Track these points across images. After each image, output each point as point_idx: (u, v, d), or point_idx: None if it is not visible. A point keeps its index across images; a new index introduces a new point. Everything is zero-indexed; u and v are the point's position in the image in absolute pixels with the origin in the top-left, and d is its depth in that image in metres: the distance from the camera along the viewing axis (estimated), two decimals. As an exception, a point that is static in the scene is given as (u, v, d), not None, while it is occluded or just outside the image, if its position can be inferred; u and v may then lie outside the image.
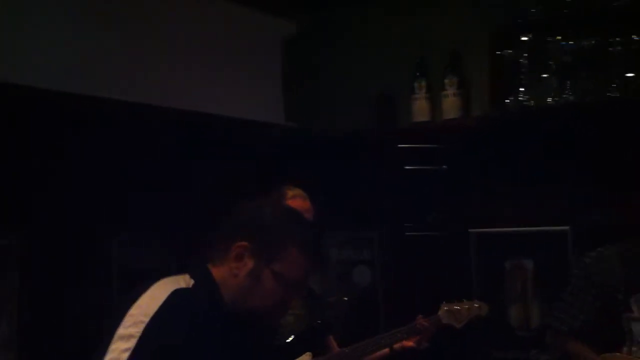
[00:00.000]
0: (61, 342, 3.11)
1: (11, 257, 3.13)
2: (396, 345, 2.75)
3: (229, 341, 1.51)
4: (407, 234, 3.87)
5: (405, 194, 3.80)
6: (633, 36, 3.30)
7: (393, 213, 3.93)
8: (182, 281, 1.52)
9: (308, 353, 2.62)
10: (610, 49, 3.34)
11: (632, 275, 2.63)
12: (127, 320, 1.39)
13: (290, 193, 2.60)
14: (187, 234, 3.26)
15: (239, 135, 3.81)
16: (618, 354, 2.60)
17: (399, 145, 3.68)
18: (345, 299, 3.93)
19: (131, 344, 1.35)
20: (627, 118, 3.30)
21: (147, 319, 1.38)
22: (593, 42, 3.38)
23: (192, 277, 1.54)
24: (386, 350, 2.72)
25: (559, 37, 3.46)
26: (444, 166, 3.65)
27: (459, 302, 2.91)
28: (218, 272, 1.55)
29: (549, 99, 3.46)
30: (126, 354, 1.34)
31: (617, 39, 3.32)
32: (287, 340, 2.56)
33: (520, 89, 3.53)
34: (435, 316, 2.87)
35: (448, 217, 3.74)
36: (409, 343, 2.77)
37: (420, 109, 3.89)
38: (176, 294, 1.45)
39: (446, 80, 3.79)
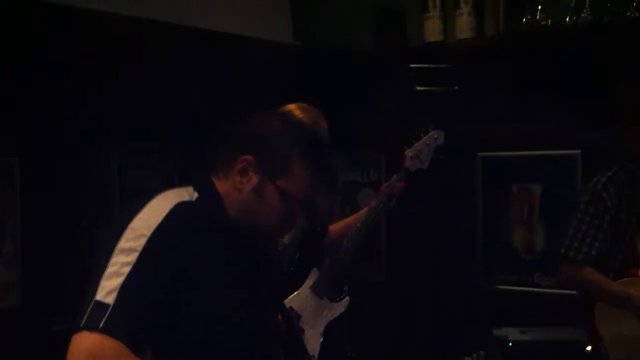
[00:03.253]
0: (64, 258, 3.13)
1: (13, 174, 3.13)
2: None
3: (233, 256, 1.48)
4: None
5: (414, 115, 3.73)
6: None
7: (401, 135, 3.88)
8: (186, 194, 1.48)
9: (314, 269, 2.60)
10: (632, -33, 3.21)
11: None
12: (129, 233, 1.36)
13: (299, 108, 2.50)
14: (190, 151, 3.23)
15: (246, 53, 3.73)
16: (632, 279, 2.58)
17: (411, 65, 3.58)
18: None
19: (132, 257, 1.32)
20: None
21: (149, 233, 1.34)
22: (614, -41, 3.25)
23: (195, 189, 1.49)
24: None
25: (580, -47, 3.32)
26: (456, 87, 3.57)
27: (417, 142, 2.77)
28: (222, 185, 1.51)
29: (566, 18, 3.35)
30: (127, 268, 1.31)
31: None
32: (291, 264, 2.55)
33: (537, 7, 3.41)
34: (403, 168, 2.75)
35: (457, 140, 3.69)
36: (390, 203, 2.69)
37: (432, 28, 3.78)
38: (179, 207, 1.41)
39: (461, -3, 3.66)
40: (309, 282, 2.61)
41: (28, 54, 2.96)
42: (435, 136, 2.77)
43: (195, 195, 1.48)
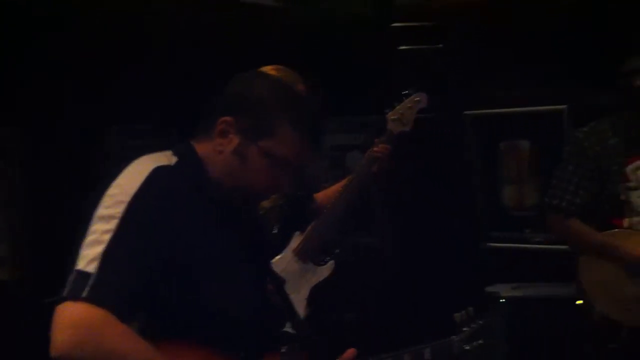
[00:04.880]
0: (59, 233, 3.12)
1: (8, 148, 3.12)
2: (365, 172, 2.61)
3: (217, 220, 1.45)
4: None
5: (401, 75, 3.69)
6: None
7: (386, 97, 3.85)
8: (164, 158, 1.43)
9: (297, 233, 2.58)
10: None
11: (625, 144, 2.58)
12: (107, 200, 1.33)
13: (277, 69, 2.45)
14: (183, 123, 3.22)
15: (228, 16, 3.67)
16: (617, 230, 2.59)
17: (393, 24, 3.53)
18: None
19: (112, 225, 1.29)
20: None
21: (128, 199, 1.31)
22: None
23: (174, 153, 1.45)
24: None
25: None
26: (440, 45, 3.53)
27: (400, 104, 2.68)
28: (203, 149, 1.47)
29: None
30: (108, 235, 1.28)
31: None
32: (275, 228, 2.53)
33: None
34: (386, 132, 2.66)
35: (444, 99, 3.66)
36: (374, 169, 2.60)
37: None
38: (158, 171, 1.38)
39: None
40: (292, 246, 2.57)
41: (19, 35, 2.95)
42: (417, 99, 2.69)
43: (175, 159, 1.44)
